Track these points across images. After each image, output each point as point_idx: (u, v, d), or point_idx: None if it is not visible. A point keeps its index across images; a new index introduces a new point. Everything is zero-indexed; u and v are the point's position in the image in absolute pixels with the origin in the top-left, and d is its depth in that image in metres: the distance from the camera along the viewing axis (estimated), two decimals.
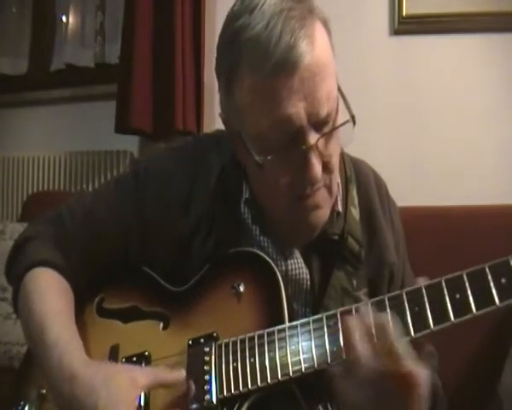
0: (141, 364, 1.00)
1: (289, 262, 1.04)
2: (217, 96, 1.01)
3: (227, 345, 0.95)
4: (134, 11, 2.37)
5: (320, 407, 0.97)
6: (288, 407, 0.94)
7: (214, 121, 2.37)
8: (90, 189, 2.68)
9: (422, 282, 0.87)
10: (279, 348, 0.90)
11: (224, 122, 1.02)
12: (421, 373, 0.80)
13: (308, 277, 1.04)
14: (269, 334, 0.92)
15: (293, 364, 0.89)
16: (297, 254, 1.05)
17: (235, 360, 0.93)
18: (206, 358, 0.95)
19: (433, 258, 1.54)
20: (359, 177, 1.12)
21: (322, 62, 0.90)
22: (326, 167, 0.94)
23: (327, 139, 0.93)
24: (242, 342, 0.94)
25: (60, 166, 2.78)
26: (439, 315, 0.83)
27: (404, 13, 2.23)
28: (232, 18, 0.93)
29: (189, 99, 2.35)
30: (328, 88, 0.91)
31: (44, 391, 1.03)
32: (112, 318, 1.09)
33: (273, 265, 0.99)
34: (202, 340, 0.97)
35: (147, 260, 1.11)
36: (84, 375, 0.92)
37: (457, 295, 0.83)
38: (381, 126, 2.25)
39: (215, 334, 0.97)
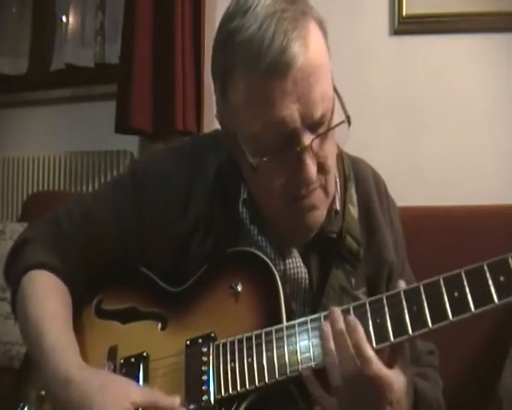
0: (139, 364, 1.00)
1: (287, 262, 1.04)
2: None
3: (225, 345, 0.95)
4: (134, 11, 2.37)
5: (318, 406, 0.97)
6: (286, 407, 0.93)
7: (214, 121, 2.34)
8: (90, 189, 2.69)
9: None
10: (277, 348, 0.90)
11: (220, 123, 1.02)
12: (392, 377, 0.84)
13: (306, 276, 1.04)
14: (266, 334, 0.92)
15: (291, 363, 0.89)
16: (295, 253, 1.05)
17: (232, 360, 0.93)
18: (204, 358, 0.95)
19: (433, 258, 1.53)
20: (358, 175, 1.12)
21: (316, 63, 0.89)
22: (322, 168, 0.94)
23: (322, 140, 0.92)
24: (240, 342, 0.94)
25: (60, 166, 2.78)
26: (438, 314, 0.83)
27: (404, 13, 2.23)
28: (226, 19, 0.93)
29: (189, 99, 2.35)
30: (323, 89, 0.90)
31: (43, 393, 1.03)
32: (110, 319, 1.09)
33: (271, 264, 0.98)
34: (200, 340, 0.97)
35: (145, 261, 1.10)
36: (80, 380, 0.92)
37: (456, 294, 0.82)
38: (381, 126, 2.25)
39: (213, 334, 0.97)
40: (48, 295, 1.05)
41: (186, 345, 0.98)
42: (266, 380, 0.89)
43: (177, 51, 2.32)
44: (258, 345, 0.92)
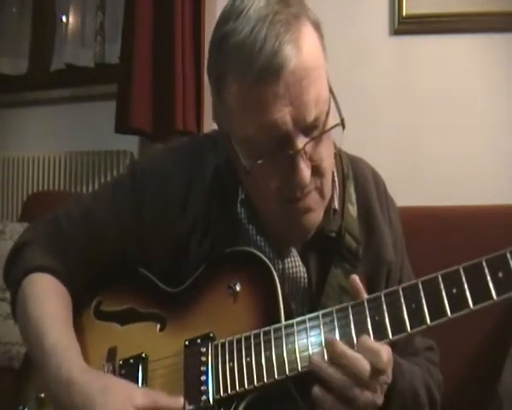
0: (138, 365, 1.00)
1: (286, 261, 1.04)
2: None
3: (223, 345, 0.95)
4: (134, 11, 2.37)
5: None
6: (285, 407, 0.93)
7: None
8: (90, 189, 2.69)
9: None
10: (275, 347, 0.90)
11: (217, 124, 1.02)
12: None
13: (305, 275, 1.04)
14: (265, 333, 0.92)
15: (290, 363, 0.88)
16: (294, 252, 1.05)
17: (231, 360, 0.93)
18: (203, 358, 0.95)
19: (433, 258, 1.52)
20: (357, 174, 1.11)
21: (310, 66, 0.88)
22: (317, 171, 0.93)
23: (316, 143, 0.92)
24: (239, 341, 0.93)
25: (60, 166, 2.79)
26: (436, 310, 0.83)
27: (403, 13, 2.23)
28: (221, 21, 0.93)
29: (189, 99, 2.35)
30: (317, 92, 0.89)
31: (43, 395, 1.03)
32: (109, 320, 1.09)
33: (269, 264, 0.98)
34: (199, 340, 0.97)
35: (145, 261, 1.10)
36: (83, 382, 0.92)
37: (454, 290, 0.82)
38: (381, 126, 2.25)
39: (211, 334, 0.97)
40: (48, 296, 1.05)
41: (185, 345, 0.98)
42: (265, 380, 0.89)
43: (177, 51, 2.32)
44: (257, 345, 0.91)
